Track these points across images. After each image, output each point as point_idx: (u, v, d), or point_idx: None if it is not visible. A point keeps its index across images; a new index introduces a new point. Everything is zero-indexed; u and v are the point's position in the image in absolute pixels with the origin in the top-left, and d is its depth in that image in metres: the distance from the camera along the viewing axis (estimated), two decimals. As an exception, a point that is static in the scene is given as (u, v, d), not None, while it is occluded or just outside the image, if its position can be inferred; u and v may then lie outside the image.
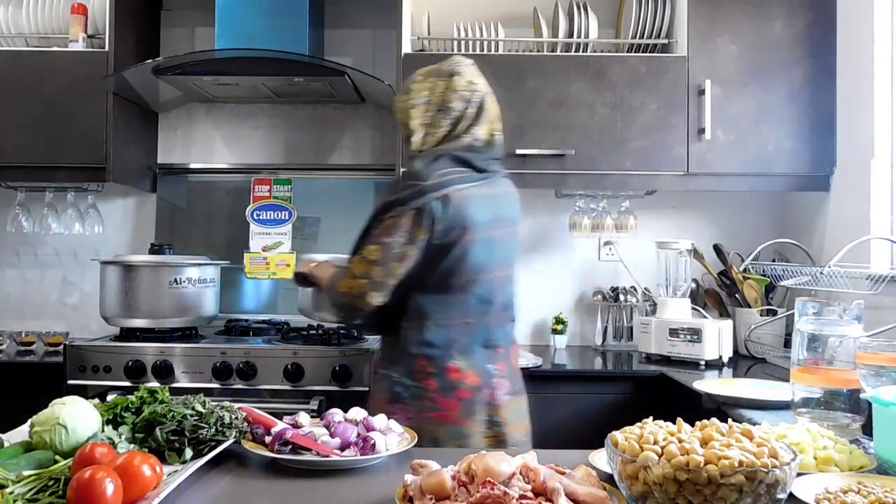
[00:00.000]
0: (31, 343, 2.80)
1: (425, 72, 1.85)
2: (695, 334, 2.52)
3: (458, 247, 1.72)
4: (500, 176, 1.87)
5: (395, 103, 1.88)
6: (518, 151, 2.63)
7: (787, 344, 2.50)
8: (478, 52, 2.77)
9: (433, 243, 1.70)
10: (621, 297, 2.92)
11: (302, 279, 1.98)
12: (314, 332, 2.61)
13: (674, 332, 2.56)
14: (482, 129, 1.80)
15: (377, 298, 1.70)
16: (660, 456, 0.94)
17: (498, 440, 1.82)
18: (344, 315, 1.83)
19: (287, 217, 3.06)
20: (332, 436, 1.27)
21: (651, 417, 1.09)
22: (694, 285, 2.89)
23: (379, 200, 1.79)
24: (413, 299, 1.76)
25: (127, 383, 2.39)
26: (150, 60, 2.67)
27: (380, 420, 1.34)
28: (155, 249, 2.73)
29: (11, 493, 0.99)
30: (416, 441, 1.35)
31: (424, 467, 1.09)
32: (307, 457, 1.23)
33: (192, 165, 3.14)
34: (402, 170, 1.79)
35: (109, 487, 0.96)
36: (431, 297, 1.76)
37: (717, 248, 2.89)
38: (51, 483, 1.04)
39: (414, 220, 1.68)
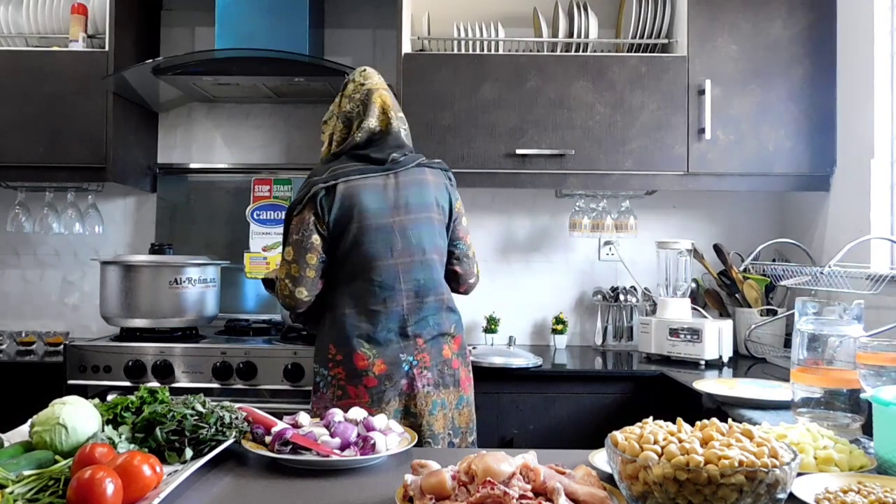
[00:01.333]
0: (31, 343, 2.80)
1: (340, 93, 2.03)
2: (695, 334, 2.52)
3: (351, 234, 1.86)
4: (412, 165, 1.95)
5: None
6: (518, 151, 2.63)
7: (787, 344, 2.50)
8: (478, 52, 2.77)
9: (329, 233, 1.87)
10: (621, 297, 2.92)
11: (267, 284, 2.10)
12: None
13: (674, 332, 2.57)
14: (373, 120, 1.93)
15: (304, 293, 1.87)
16: (660, 456, 0.94)
17: (414, 430, 1.82)
18: (290, 314, 1.99)
19: (287, 217, 3.06)
20: (332, 436, 1.27)
21: (651, 417, 1.09)
22: (694, 285, 2.89)
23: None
24: (329, 291, 1.91)
25: (127, 383, 2.39)
26: (150, 60, 2.67)
27: (380, 420, 1.34)
28: (155, 249, 2.73)
29: (11, 493, 0.99)
30: (416, 441, 1.35)
31: (424, 467, 1.09)
32: (307, 457, 1.23)
33: (192, 165, 3.14)
34: None
35: (109, 487, 0.96)
36: (336, 287, 1.90)
37: (717, 248, 2.89)
38: (51, 483, 1.04)
39: (312, 211, 1.86)
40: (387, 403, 1.83)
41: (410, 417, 1.86)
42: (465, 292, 2.11)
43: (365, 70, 2.02)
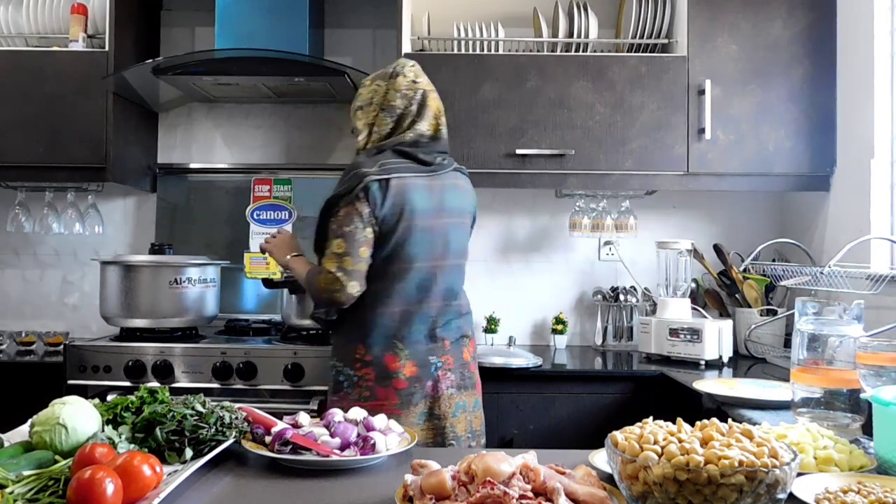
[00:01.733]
0: (31, 343, 2.80)
1: (373, 76, 1.97)
2: (695, 334, 2.52)
3: (397, 233, 1.82)
4: (450, 169, 1.96)
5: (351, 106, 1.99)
6: (518, 151, 2.63)
7: (787, 344, 2.50)
8: (478, 52, 2.77)
9: (378, 228, 1.81)
10: (621, 297, 2.92)
11: (270, 283, 2.08)
12: (314, 332, 2.61)
13: (674, 332, 2.56)
14: (425, 124, 1.90)
15: (356, 288, 1.80)
16: (660, 456, 0.94)
17: (435, 433, 1.86)
18: (325, 310, 1.89)
19: (287, 217, 3.06)
20: (332, 436, 1.27)
21: (651, 417, 1.09)
22: (694, 285, 2.89)
23: (325, 199, 1.87)
24: None
25: (127, 383, 2.39)
26: (150, 60, 2.67)
27: (380, 420, 1.34)
28: (155, 249, 2.73)
29: (11, 493, 0.99)
30: (415, 441, 1.35)
31: (424, 467, 1.09)
32: (307, 457, 1.23)
33: (192, 165, 3.14)
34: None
35: (109, 487, 0.96)
36: (372, 285, 1.84)
37: (717, 248, 2.89)
38: (51, 483, 1.04)
39: (364, 204, 1.79)
40: (414, 406, 1.83)
41: (434, 420, 1.86)
42: None
43: (414, 66, 1.96)
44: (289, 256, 2.00)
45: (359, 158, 1.85)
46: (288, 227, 3.05)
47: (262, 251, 2.14)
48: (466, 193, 2.00)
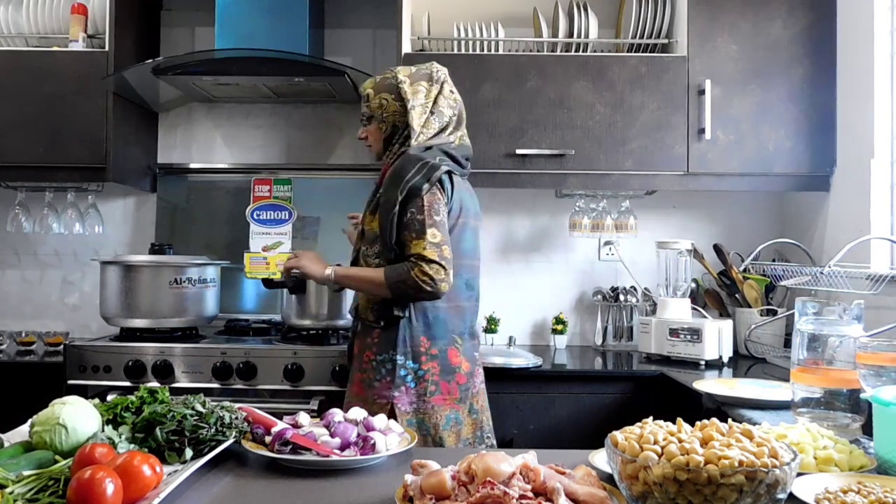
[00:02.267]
0: (31, 343, 2.80)
1: (412, 75, 1.98)
2: (695, 334, 2.52)
3: (456, 229, 1.87)
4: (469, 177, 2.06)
5: (376, 100, 1.97)
6: (518, 151, 2.63)
7: (787, 344, 2.50)
8: (478, 52, 2.77)
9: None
10: (621, 297, 2.92)
11: (270, 283, 2.10)
12: (314, 332, 2.61)
13: (674, 332, 2.56)
14: (461, 132, 2.01)
15: (451, 276, 1.80)
16: (660, 456, 0.94)
17: (475, 427, 1.92)
18: (413, 299, 1.83)
19: (287, 217, 3.06)
20: (332, 436, 1.27)
21: (651, 417, 1.09)
22: (694, 285, 2.89)
23: (392, 189, 1.82)
24: None
25: (127, 383, 2.39)
26: (150, 60, 2.67)
27: (380, 420, 1.34)
28: (155, 249, 2.73)
29: (11, 493, 0.99)
30: (415, 441, 1.35)
31: (424, 467, 1.09)
32: (307, 457, 1.23)
33: (192, 165, 3.14)
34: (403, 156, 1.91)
35: (109, 487, 0.96)
36: None
37: (717, 248, 2.89)
38: (51, 483, 1.04)
39: (442, 194, 1.84)
40: (467, 401, 1.89)
41: (473, 414, 1.92)
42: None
43: (448, 74, 2.04)
44: (329, 269, 1.95)
45: (416, 152, 1.87)
46: (288, 228, 3.05)
47: (289, 272, 2.06)
48: (476, 198, 2.08)
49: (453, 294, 1.87)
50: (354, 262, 1.99)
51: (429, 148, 1.91)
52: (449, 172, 1.86)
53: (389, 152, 1.97)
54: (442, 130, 1.95)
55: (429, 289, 1.76)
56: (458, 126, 2.00)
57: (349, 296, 2.68)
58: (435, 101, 1.96)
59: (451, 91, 2.01)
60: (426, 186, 1.80)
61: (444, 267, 1.77)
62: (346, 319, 2.66)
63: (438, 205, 1.82)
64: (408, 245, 1.79)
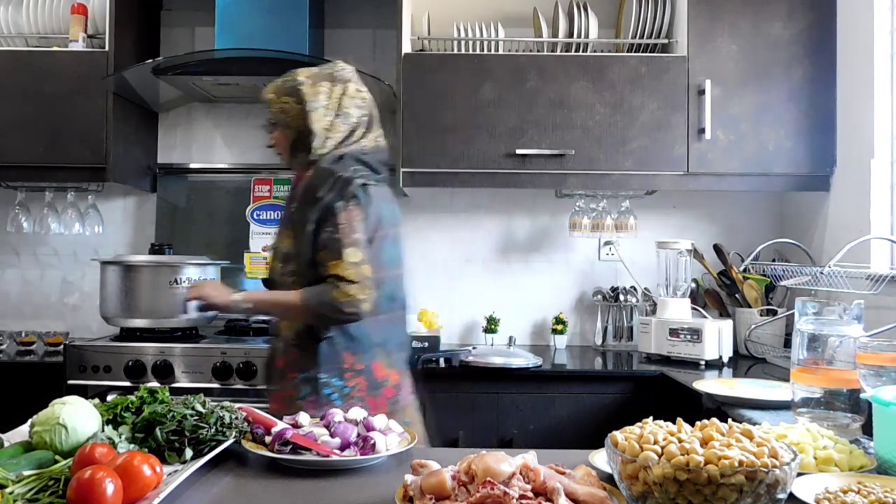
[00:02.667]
0: (31, 343, 2.80)
1: (313, 75, 1.86)
2: (695, 334, 2.52)
3: (374, 242, 1.77)
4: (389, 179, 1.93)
5: (277, 104, 1.85)
6: (518, 151, 2.63)
7: (787, 344, 2.50)
8: (478, 52, 2.77)
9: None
10: (621, 297, 2.92)
11: (270, 283, 1.92)
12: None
13: (674, 332, 2.56)
14: (374, 134, 1.88)
15: (374, 297, 1.71)
16: (660, 456, 0.94)
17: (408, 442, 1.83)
18: (329, 323, 1.76)
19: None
20: (332, 436, 1.27)
21: (651, 417, 1.09)
22: (694, 285, 2.89)
23: (306, 207, 1.74)
24: None
25: (127, 383, 2.39)
26: (150, 60, 2.67)
27: (380, 420, 1.34)
28: (155, 249, 2.73)
29: (11, 493, 0.99)
30: (416, 441, 1.35)
31: (424, 467, 1.09)
32: (307, 457, 1.23)
33: (192, 165, 3.14)
34: (313, 169, 1.78)
35: (109, 487, 0.96)
36: None
37: (717, 248, 2.89)
38: (51, 483, 1.04)
39: (359, 210, 1.73)
40: (397, 414, 1.78)
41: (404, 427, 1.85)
42: None
43: (354, 72, 1.92)
44: (238, 295, 1.87)
45: (326, 163, 1.77)
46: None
47: (191, 300, 1.95)
48: (397, 204, 1.97)
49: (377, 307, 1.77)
50: (269, 283, 1.90)
51: (341, 157, 1.78)
52: (364, 186, 1.75)
53: (295, 160, 1.85)
54: (351, 133, 1.83)
55: (350, 310, 1.69)
56: (369, 127, 1.87)
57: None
58: (339, 103, 1.83)
59: (359, 90, 1.87)
60: (341, 204, 1.71)
61: (364, 287, 1.69)
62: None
63: (355, 221, 1.72)
64: (326, 266, 1.70)
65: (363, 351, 1.78)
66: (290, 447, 1.24)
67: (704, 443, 0.98)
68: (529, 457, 1.07)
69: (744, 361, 2.62)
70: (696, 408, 1.92)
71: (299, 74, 1.87)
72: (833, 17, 2.64)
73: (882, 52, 2.43)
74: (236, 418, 1.30)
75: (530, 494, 0.97)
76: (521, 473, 1.01)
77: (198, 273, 2.65)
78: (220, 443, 1.24)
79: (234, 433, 1.27)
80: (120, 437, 1.21)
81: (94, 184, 2.98)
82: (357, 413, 1.36)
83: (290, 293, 1.76)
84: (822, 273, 2.25)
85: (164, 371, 2.39)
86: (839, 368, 1.44)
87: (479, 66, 2.67)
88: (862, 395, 1.37)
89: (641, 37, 2.77)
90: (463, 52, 2.77)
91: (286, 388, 1.81)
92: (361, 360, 1.77)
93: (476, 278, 3.09)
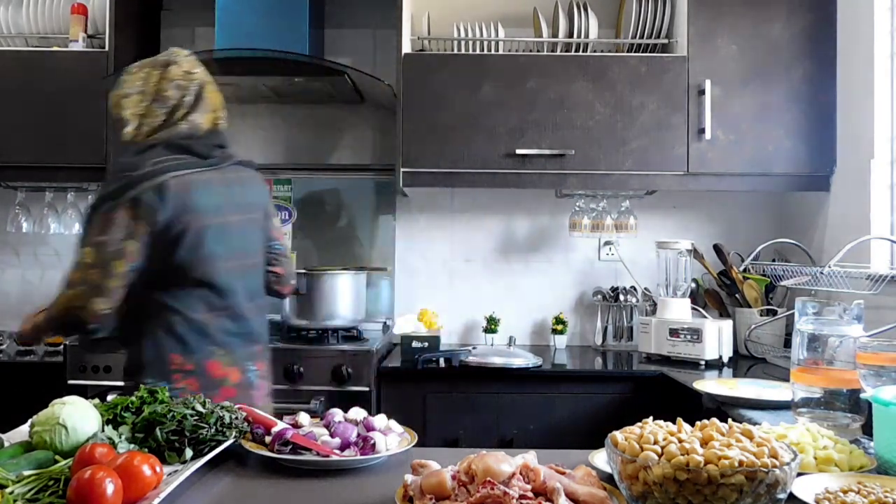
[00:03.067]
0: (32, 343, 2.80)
1: (140, 64, 1.78)
2: (695, 334, 2.52)
3: (189, 235, 1.65)
4: (233, 162, 1.82)
5: (110, 98, 1.79)
6: (518, 151, 2.63)
7: (787, 344, 2.50)
8: (478, 52, 2.77)
9: (159, 235, 1.62)
10: (621, 297, 2.92)
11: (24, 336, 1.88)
12: (314, 332, 2.61)
13: (674, 332, 2.56)
14: (202, 116, 1.75)
15: (102, 304, 1.59)
16: (660, 456, 0.94)
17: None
18: (72, 332, 1.70)
19: (287, 217, 3.06)
20: (332, 436, 1.27)
21: (651, 417, 1.09)
22: (694, 285, 2.89)
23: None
24: (154, 297, 1.68)
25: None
26: (150, 60, 2.66)
27: (380, 420, 1.34)
28: (155, 249, 2.72)
29: (11, 493, 0.99)
30: (416, 441, 1.35)
31: (424, 467, 1.09)
32: (307, 457, 1.23)
33: (192, 165, 3.14)
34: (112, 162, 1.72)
35: (109, 487, 0.96)
36: (173, 291, 1.69)
37: (717, 248, 2.89)
38: (51, 483, 1.03)
39: (130, 214, 1.59)
40: None
41: None
42: (287, 294, 2.05)
43: (190, 56, 1.80)
44: (37, 317, 1.79)
45: (126, 156, 1.67)
46: (288, 228, 3.05)
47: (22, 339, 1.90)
48: (253, 187, 1.87)
49: (206, 302, 1.69)
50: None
51: (150, 147, 1.67)
52: (158, 184, 1.61)
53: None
54: (170, 116, 1.71)
55: (67, 318, 1.61)
56: (193, 108, 1.73)
57: (349, 296, 2.68)
58: (157, 86, 1.71)
59: (188, 72, 1.74)
60: (109, 204, 1.59)
61: (80, 294, 1.58)
62: (346, 320, 2.67)
63: (111, 225, 1.58)
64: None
65: (194, 350, 1.68)
66: (290, 447, 1.24)
67: (704, 443, 0.98)
68: (529, 457, 1.07)
69: (744, 361, 2.62)
70: (696, 408, 1.92)
71: (133, 66, 1.78)
72: (833, 18, 2.64)
73: (882, 52, 2.43)
74: (236, 418, 1.30)
75: (530, 494, 0.97)
76: (521, 473, 1.01)
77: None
78: (220, 443, 1.24)
79: (234, 433, 1.27)
80: (120, 437, 1.21)
81: (94, 184, 2.97)
82: (357, 413, 1.36)
83: (47, 307, 1.69)
84: (822, 273, 2.25)
85: (164, 371, 2.39)
86: (839, 368, 1.44)
87: (479, 66, 2.67)
88: (862, 395, 1.37)
89: (641, 37, 2.77)
90: (463, 52, 2.77)
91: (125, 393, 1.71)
92: (191, 360, 1.68)
93: (476, 278, 3.09)
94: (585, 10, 2.77)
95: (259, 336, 1.81)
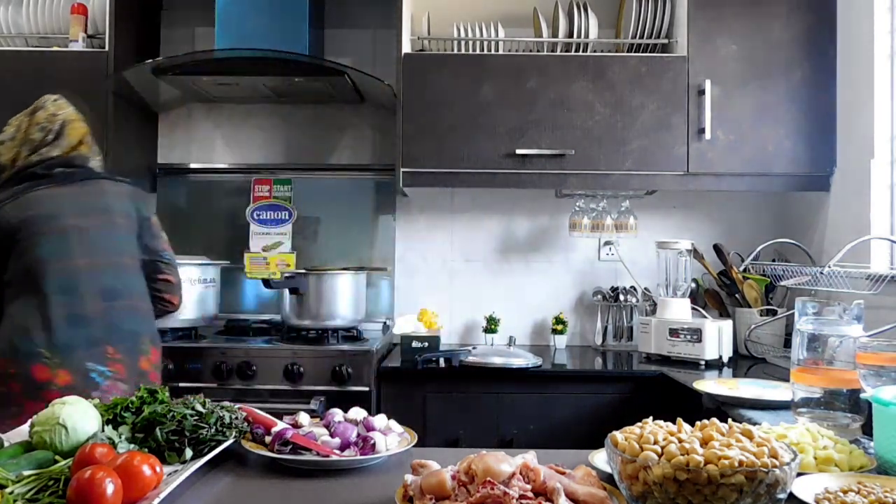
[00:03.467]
0: (31, 343, 2.80)
1: (18, 115, 2.04)
2: (695, 334, 2.52)
3: (23, 242, 1.82)
4: (85, 178, 1.98)
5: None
6: (518, 151, 2.63)
7: (787, 344, 2.50)
8: (478, 52, 2.77)
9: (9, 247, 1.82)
10: (621, 297, 2.92)
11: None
12: (314, 332, 2.61)
13: (674, 332, 2.56)
14: (56, 149, 1.96)
15: None
16: (660, 456, 0.94)
17: None
18: None
19: (287, 217, 3.07)
20: (332, 436, 1.27)
21: (651, 417, 1.09)
22: (694, 285, 2.89)
23: None
24: None
25: (127, 383, 2.39)
26: (150, 60, 2.67)
27: (380, 420, 1.34)
28: (155, 249, 2.73)
29: (11, 493, 0.99)
30: (415, 441, 1.35)
31: (424, 467, 1.09)
32: (307, 457, 1.23)
33: (192, 165, 3.14)
34: None
35: (109, 487, 0.96)
36: (8, 294, 1.83)
37: (717, 248, 2.89)
38: (51, 483, 1.03)
39: None
40: None
41: None
42: (177, 306, 2.12)
43: (58, 100, 2.04)
44: None
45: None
46: (288, 228, 3.06)
47: None
48: (113, 195, 2.00)
49: (37, 305, 1.79)
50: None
51: (8, 180, 1.92)
52: (8, 203, 1.85)
53: None
54: (33, 153, 1.94)
55: None
56: (57, 140, 1.98)
57: (349, 296, 2.68)
58: (25, 133, 1.97)
59: (53, 114, 2.00)
60: None
61: None
62: (346, 320, 2.67)
63: None
64: None
65: (19, 355, 1.75)
66: (290, 447, 1.24)
67: (704, 443, 0.98)
68: (529, 457, 1.07)
69: (744, 361, 2.62)
70: (696, 408, 1.92)
71: (14, 117, 2.04)
72: (833, 18, 2.64)
73: (882, 53, 2.43)
74: (236, 418, 1.30)
75: (530, 494, 0.97)
76: (521, 473, 1.01)
77: (198, 273, 2.66)
78: (220, 443, 1.24)
79: (234, 433, 1.27)
80: (120, 437, 1.20)
81: (94, 184, 2.97)
82: (357, 413, 1.36)
83: None
84: (822, 273, 2.25)
85: (163, 371, 2.38)
86: (839, 368, 1.44)
87: (479, 66, 2.67)
88: (862, 395, 1.37)
89: (641, 37, 2.77)
90: (463, 52, 2.77)
91: None
92: (16, 364, 1.75)
93: (476, 278, 3.10)
94: (585, 10, 2.77)
95: (111, 337, 1.84)
